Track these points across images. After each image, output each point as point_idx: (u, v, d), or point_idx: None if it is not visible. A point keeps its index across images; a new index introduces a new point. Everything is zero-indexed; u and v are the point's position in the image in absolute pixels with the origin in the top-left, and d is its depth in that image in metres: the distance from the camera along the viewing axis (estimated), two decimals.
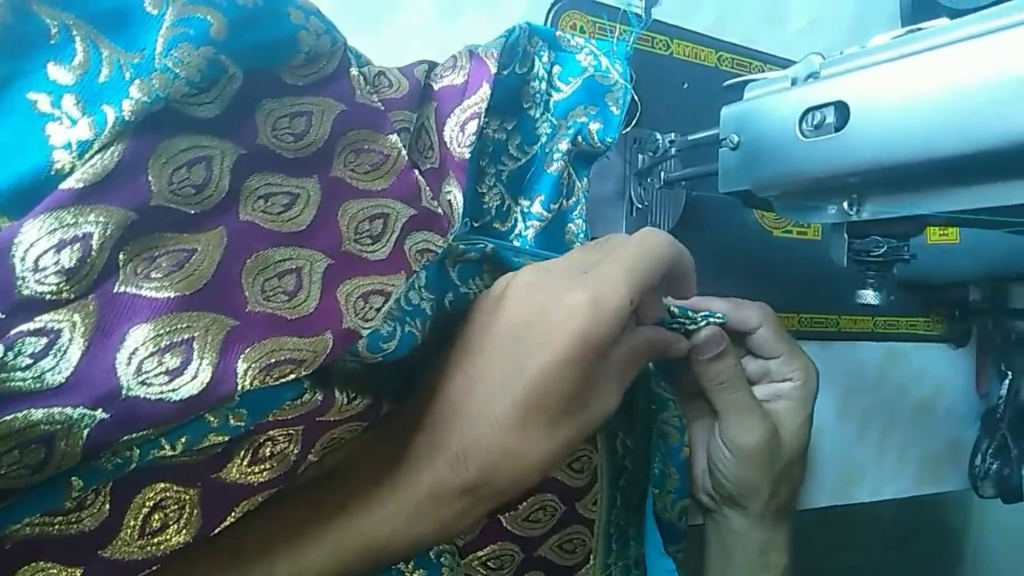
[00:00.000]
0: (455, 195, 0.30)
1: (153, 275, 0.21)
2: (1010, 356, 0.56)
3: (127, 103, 0.20)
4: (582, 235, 0.37)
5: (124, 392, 0.20)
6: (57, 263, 0.19)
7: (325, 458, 0.28)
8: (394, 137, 0.27)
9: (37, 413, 0.18)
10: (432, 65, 0.32)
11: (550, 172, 0.36)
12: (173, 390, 0.20)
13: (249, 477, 0.24)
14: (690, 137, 0.37)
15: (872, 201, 0.27)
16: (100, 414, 0.19)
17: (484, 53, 0.32)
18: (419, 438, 0.27)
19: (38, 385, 0.19)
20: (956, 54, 0.24)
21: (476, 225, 0.35)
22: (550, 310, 0.26)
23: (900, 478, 0.54)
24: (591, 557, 0.37)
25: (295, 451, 0.25)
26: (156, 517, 0.23)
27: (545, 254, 0.33)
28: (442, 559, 0.30)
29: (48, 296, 0.19)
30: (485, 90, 0.31)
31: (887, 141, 0.25)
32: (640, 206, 0.41)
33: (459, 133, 0.31)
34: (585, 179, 0.38)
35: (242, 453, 0.24)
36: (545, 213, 0.36)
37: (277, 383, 0.22)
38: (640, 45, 0.41)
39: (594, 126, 0.36)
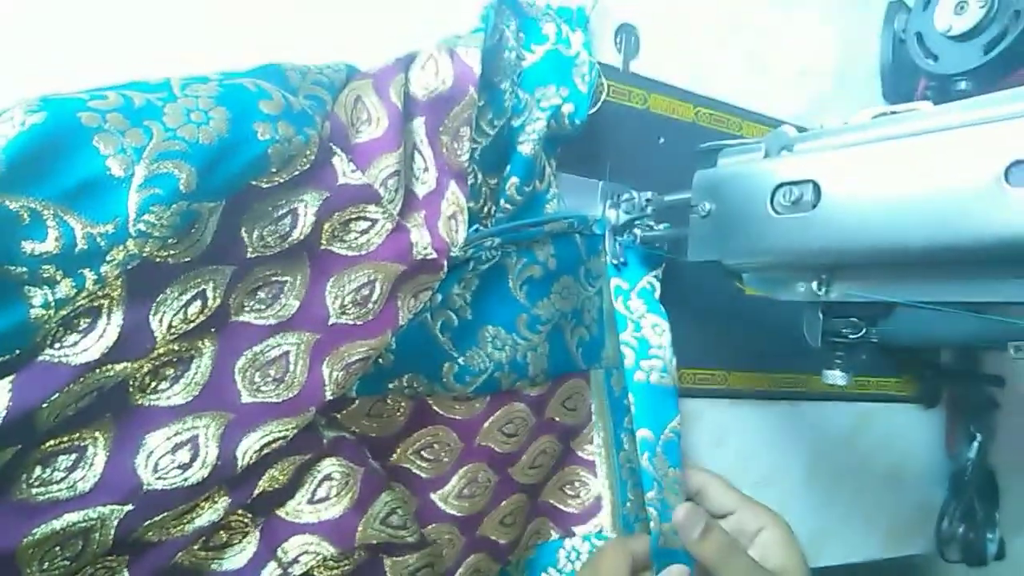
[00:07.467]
0: (459, 207, 0.30)
1: (160, 387, 0.24)
2: (980, 418, 0.56)
3: (105, 267, 0.21)
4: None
5: (145, 487, 0.23)
6: (76, 407, 0.22)
7: None
8: (378, 205, 0.28)
9: (73, 516, 0.22)
10: (407, 64, 0.30)
11: (525, 154, 0.35)
12: (185, 479, 0.24)
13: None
14: (667, 198, 0.36)
15: (841, 284, 0.27)
16: (127, 507, 0.23)
17: (465, 53, 0.30)
18: None
19: (71, 493, 0.22)
20: (934, 143, 0.23)
21: None
22: None
23: (869, 541, 0.53)
24: (600, 502, 0.38)
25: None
26: None
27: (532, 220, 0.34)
28: None
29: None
30: (472, 95, 0.30)
31: (858, 226, 0.25)
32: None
33: (454, 143, 0.31)
34: (553, 160, 0.38)
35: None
36: (517, 197, 0.35)
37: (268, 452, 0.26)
38: (617, 99, 0.40)
39: (567, 108, 0.36)
